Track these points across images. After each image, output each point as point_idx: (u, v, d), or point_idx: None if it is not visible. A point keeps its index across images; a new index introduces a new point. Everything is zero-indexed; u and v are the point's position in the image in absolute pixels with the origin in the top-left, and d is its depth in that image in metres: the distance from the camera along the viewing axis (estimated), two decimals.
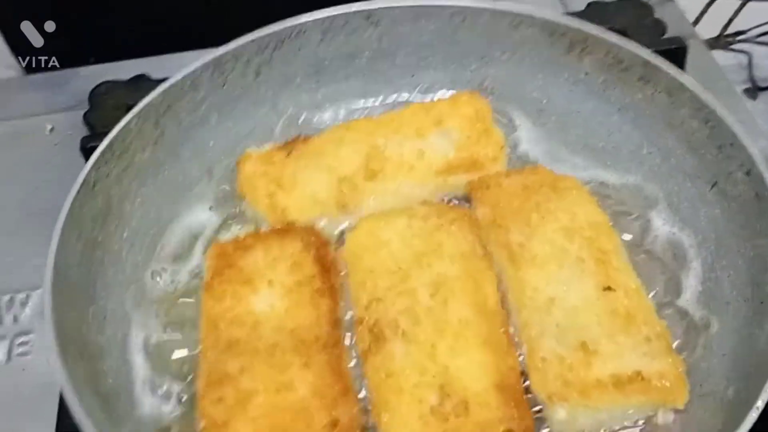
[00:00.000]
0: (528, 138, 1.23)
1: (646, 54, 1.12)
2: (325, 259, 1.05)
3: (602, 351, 0.96)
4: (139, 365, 1.02)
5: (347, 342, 1.02)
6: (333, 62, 1.26)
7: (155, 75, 1.32)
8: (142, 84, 1.31)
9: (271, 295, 1.02)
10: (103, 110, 1.30)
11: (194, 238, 1.15)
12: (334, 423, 0.91)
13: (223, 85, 1.21)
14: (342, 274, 1.07)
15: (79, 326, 0.98)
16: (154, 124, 1.15)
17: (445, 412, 0.91)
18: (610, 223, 1.08)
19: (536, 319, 0.99)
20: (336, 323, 1.01)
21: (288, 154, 1.15)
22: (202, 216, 1.17)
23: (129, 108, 1.14)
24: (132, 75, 1.35)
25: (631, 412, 0.94)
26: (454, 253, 1.05)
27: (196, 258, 1.12)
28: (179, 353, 1.03)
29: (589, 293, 1.00)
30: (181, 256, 1.13)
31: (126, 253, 1.11)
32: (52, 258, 0.97)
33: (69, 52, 1.47)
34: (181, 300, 1.08)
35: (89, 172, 1.06)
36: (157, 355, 1.03)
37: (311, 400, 0.93)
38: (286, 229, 1.09)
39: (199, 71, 1.18)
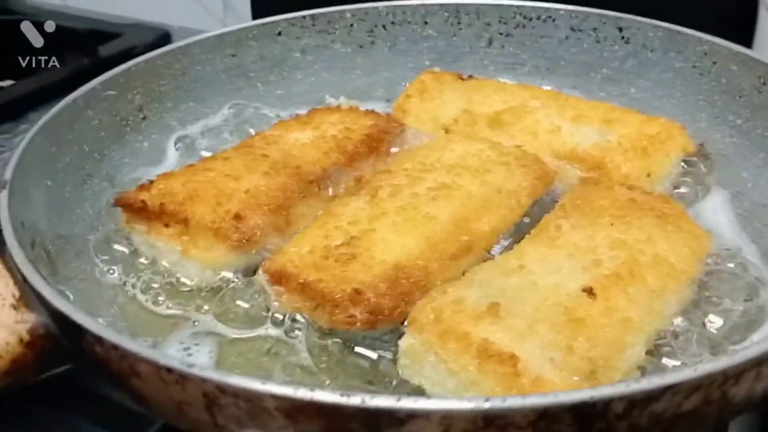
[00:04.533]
0: (704, 210, 0.96)
1: None
2: (377, 139, 1.01)
3: (508, 323, 0.69)
4: None
5: None
6: (569, 65, 1.18)
7: None
8: None
9: (308, 134, 1.01)
10: None
11: None
12: (238, 216, 0.86)
13: (453, 36, 1.22)
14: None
15: None
16: (368, 30, 1.21)
17: (333, 253, 0.81)
18: (695, 282, 0.79)
19: (487, 273, 0.77)
20: (326, 173, 0.95)
21: (459, 79, 1.12)
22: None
23: None
24: None
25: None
26: (492, 182, 0.91)
27: None
28: None
29: (566, 285, 0.74)
30: None
31: (267, 99, 1.17)
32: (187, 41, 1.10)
33: None
34: None
35: (280, 21, 1.18)
36: None
37: (239, 193, 0.89)
38: (376, 113, 1.07)
39: (437, 8, 1.21)
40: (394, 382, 0.73)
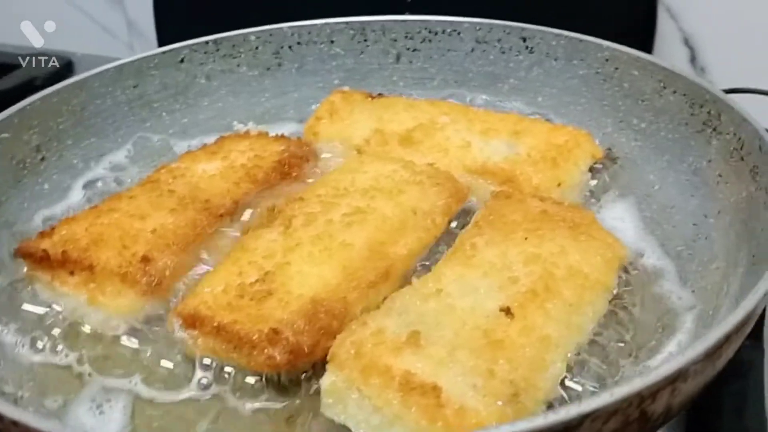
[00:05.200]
0: (613, 217, 0.97)
1: None
2: (290, 165, 0.99)
3: (428, 351, 0.68)
4: None
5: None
6: (477, 77, 1.19)
7: None
8: None
9: (216, 164, 0.99)
10: None
11: None
12: (146, 259, 0.83)
13: (361, 53, 1.21)
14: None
15: None
16: (274, 52, 1.19)
17: (248, 291, 0.79)
18: (610, 291, 0.80)
19: (405, 300, 0.76)
20: (238, 204, 0.93)
21: (368, 98, 1.11)
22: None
23: None
24: None
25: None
26: (405, 202, 0.90)
27: None
28: None
29: (483, 307, 0.74)
30: None
31: (171, 129, 1.14)
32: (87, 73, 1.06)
33: None
34: None
35: (182, 48, 1.15)
36: None
37: (146, 233, 0.86)
38: (285, 138, 1.06)
39: (342, 26, 1.20)
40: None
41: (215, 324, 0.76)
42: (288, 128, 1.18)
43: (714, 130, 0.92)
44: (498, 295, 0.76)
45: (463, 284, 0.77)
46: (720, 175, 0.91)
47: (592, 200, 1.00)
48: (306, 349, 0.73)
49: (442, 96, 1.20)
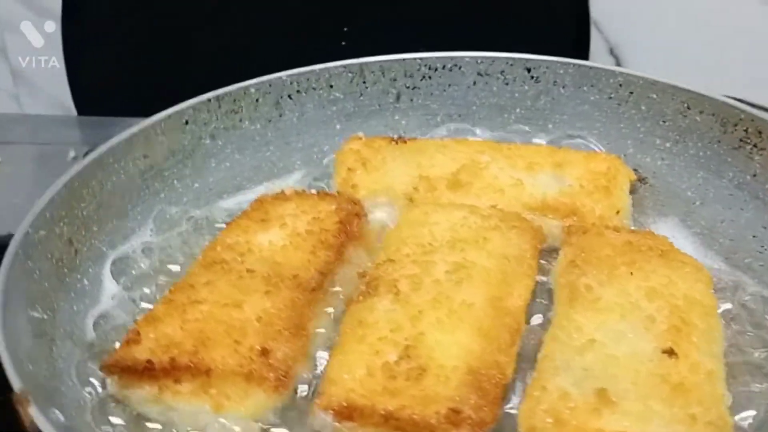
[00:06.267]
0: (670, 233, 1.01)
1: None
2: (350, 224, 0.95)
3: (624, 407, 0.68)
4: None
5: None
6: (481, 109, 1.19)
7: None
8: None
9: (277, 234, 0.93)
10: None
11: None
12: (265, 351, 0.76)
13: (360, 96, 1.19)
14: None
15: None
16: (274, 102, 1.14)
17: (397, 370, 0.74)
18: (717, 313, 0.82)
19: (562, 355, 0.76)
20: (326, 273, 0.88)
21: (392, 143, 1.08)
22: None
23: None
24: None
25: None
26: (496, 250, 0.89)
27: None
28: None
29: (642, 351, 0.75)
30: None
31: (185, 198, 1.06)
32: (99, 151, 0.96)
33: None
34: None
35: (186, 109, 1.07)
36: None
37: (253, 322, 0.79)
38: (330, 194, 1.01)
39: (341, 70, 1.17)
40: None
41: (381, 413, 0.71)
42: (299, 180, 1.13)
43: (755, 146, 0.99)
44: (646, 335, 0.77)
45: (608, 331, 0.78)
46: None
47: (640, 220, 1.04)
48: (489, 423, 0.70)
49: (448, 131, 1.20)
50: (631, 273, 0.86)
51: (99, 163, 0.95)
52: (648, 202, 1.06)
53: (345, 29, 1.68)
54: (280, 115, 1.15)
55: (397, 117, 1.21)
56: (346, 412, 0.72)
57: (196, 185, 1.08)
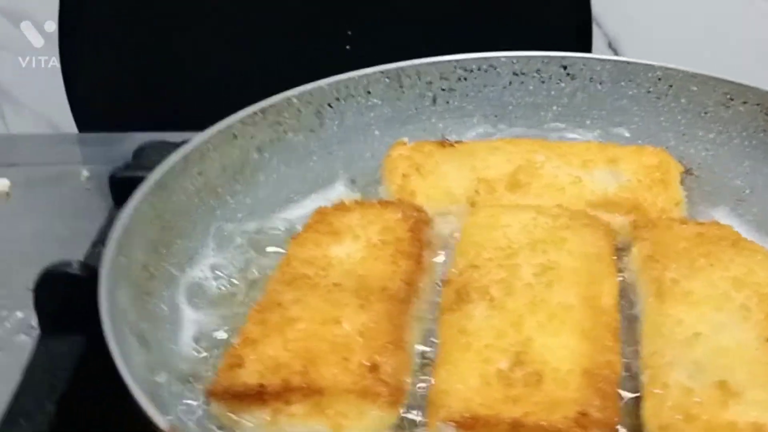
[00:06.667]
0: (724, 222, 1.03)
1: None
2: (420, 232, 0.95)
3: (748, 396, 0.70)
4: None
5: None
6: (517, 109, 1.20)
7: None
8: None
9: (352, 245, 0.92)
10: (141, 162, 1.11)
11: None
12: (375, 366, 0.75)
13: (398, 100, 1.18)
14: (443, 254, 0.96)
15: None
16: (315, 112, 1.13)
17: (512, 377, 0.74)
18: None
19: (671, 351, 0.77)
20: (411, 284, 0.87)
21: (441, 146, 1.07)
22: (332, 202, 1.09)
23: None
24: None
25: None
26: (576, 249, 0.89)
27: None
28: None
29: (746, 340, 0.77)
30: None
31: (239, 213, 1.04)
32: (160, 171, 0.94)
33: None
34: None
35: (234, 123, 1.05)
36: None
37: (356, 338, 0.78)
38: (390, 202, 1.01)
39: (378, 76, 1.16)
40: None
41: (508, 421, 0.70)
42: (345, 189, 1.12)
43: None
44: (745, 325, 0.78)
45: (709, 323, 0.79)
46: None
47: (694, 211, 1.06)
48: (615, 422, 0.71)
49: (485, 130, 1.20)
50: (711, 264, 0.87)
51: (161, 185, 0.92)
52: (697, 193, 1.08)
53: (348, 32, 1.68)
54: (321, 125, 1.14)
55: (434, 120, 1.20)
56: (469, 423, 0.71)
57: (248, 200, 1.05)
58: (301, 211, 1.07)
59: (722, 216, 1.05)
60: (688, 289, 0.83)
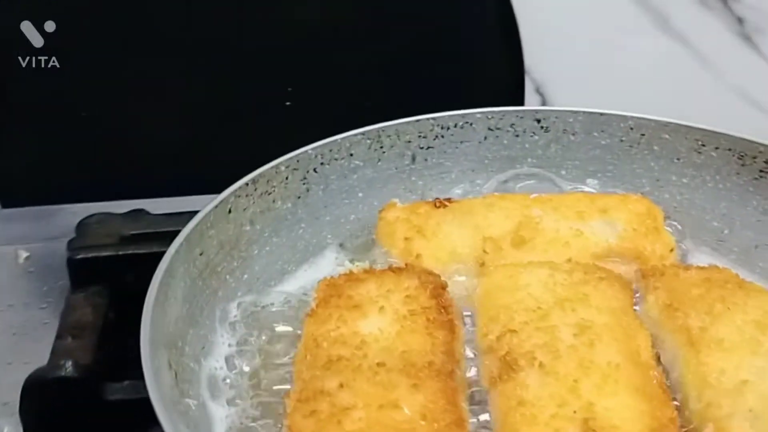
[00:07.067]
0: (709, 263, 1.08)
1: None
2: (441, 297, 0.93)
3: None
4: None
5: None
6: (493, 162, 1.21)
7: (155, 211, 1.14)
8: (142, 217, 1.11)
9: (381, 319, 0.88)
10: (92, 238, 1.06)
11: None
12: None
13: (378, 161, 1.16)
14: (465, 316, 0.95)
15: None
16: (302, 178, 1.10)
17: None
18: None
19: (725, 401, 0.79)
20: (451, 354, 0.85)
21: (436, 207, 1.06)
22: (326, 270, 1.06)
23: (123, 238, 1.04)
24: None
25: None
26: (601, 305, 0.90)
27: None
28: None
29: None
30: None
31: (239, 291, 1.00)
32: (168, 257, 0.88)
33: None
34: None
35: (228, 196, 1.00)
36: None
37: (419, 422, 0.74)
38: (401, 268, 0.98)
39: (359, 137, 1.15)
40: None
41: None
42: (336, 255, 1.10)
43: None
44: None
45: (750, 369, 0.81)
46: None
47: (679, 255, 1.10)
48: None
49: (464, 186, 1.20)
50: (728, 308, 0.90)
51: (170, 273, 0.86)
52: (677, 236, 1.13)
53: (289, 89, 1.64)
54: (307, 190, 1.10)
55: (413, 178, 1.19)
56: None
57: (245, 276, 1.00)
58: (296, 282, 1.05)
59: (706, 257, 1.10)
60: (717, 336, 0.86)
